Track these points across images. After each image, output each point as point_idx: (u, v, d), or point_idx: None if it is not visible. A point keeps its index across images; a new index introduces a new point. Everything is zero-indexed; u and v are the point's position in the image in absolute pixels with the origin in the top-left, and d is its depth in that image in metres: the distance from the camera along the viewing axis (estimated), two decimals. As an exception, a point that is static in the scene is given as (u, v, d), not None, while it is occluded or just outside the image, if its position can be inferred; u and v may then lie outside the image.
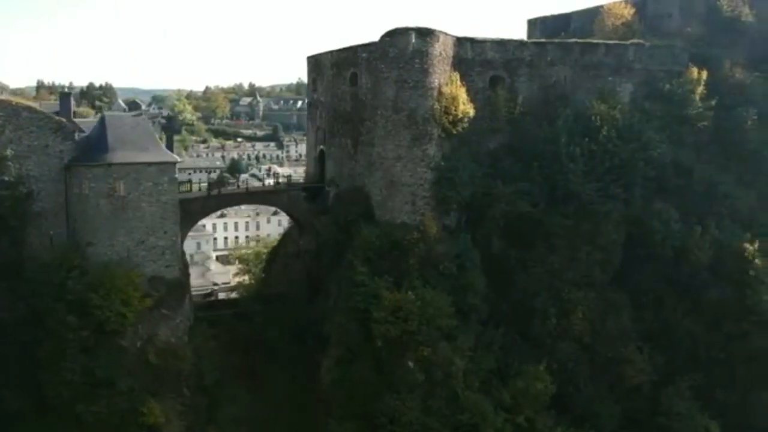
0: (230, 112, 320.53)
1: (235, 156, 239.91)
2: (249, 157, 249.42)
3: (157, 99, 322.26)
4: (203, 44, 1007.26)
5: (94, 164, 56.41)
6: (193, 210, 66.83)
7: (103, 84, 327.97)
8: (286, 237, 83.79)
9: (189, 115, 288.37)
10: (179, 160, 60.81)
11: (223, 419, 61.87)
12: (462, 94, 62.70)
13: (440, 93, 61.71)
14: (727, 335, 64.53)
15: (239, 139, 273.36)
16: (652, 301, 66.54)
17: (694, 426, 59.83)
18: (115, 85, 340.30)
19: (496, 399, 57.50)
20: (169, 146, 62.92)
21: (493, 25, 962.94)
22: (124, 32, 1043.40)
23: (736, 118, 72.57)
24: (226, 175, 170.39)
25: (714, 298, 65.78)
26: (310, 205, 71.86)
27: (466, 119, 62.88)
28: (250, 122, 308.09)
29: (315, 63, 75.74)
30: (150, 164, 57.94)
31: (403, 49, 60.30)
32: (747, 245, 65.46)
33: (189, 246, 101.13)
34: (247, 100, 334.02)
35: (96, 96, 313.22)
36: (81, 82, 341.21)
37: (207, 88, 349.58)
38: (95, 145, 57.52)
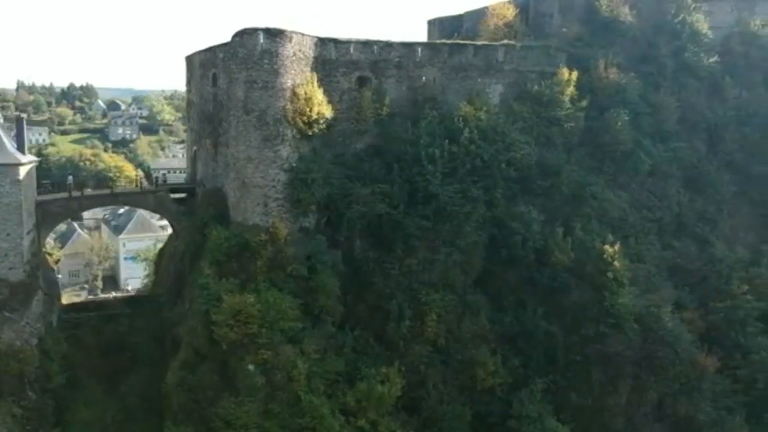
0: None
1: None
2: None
3: (138, 99, 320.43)
4: (188, 45, 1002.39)
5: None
6: (53, 211, 66.24)
7: (84, 84, 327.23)
8: (171, 238, 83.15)
9: (168, 115, 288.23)
10: (23, 161, 59.79)
11: (73, 422, 61.20)
12: (318, 95, 62.17)
13: (294, 94, 61.08)
14: (584, 338, 64.35)
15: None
16: (513, 303, 66.16)
17: (544, 429, 59.41)
18: (99, 85, 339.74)
19: (340, 402, 57.03)
20: (20, 147, 61.77)
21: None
22: (109, 32, 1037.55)
23: (607, 120, 72.33)
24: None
25: (574, 300, 65.65)
26: (179, 207, 71.25)
27: (322, 120, 62.29)
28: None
29: (189, 63, 75.12)
30: (-10, 166, 57.14)
31: (252, 49, 59.68)
32: (607, 247, 65.27)
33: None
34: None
35: (76, 96, 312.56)
36: (62, 83, 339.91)
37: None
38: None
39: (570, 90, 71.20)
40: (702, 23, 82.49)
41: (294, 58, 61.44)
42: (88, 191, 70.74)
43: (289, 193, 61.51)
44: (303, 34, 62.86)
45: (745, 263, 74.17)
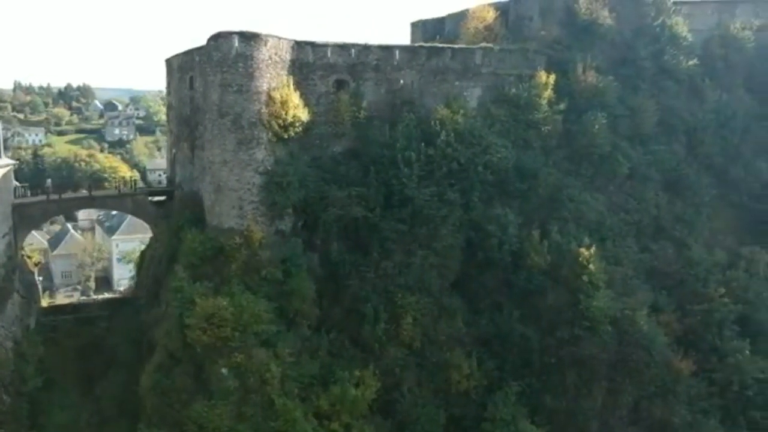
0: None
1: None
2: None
3: (135, 100, 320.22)
4: (187, 45, 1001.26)
5: None
6: (31, 214, 66.32)
7: (81, 85, 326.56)
8: (152, 240, 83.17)
9: (164, 116, 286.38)
10: (-4, 164, 59.94)
11: (48, 426, 61.36)
12: (294, 99, 62.21)
13: (270, 97, 61.13)
14: (559, 340, 64.44)
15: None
16: (489, 305, 66.31)
17: (517, 432, 59.66)
18: (97, 85, 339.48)
19: (314, 406, 57.13)
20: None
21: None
22: (109, 32, 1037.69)
23: (585, 122, 72.49)
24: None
25: (550, 303, 65.79)
26: (158, 210, 71.33)
27: (298, 124, 62.34)
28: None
29: (168, 65, 75.22)
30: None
31: (227, 52, 59.67)
32: (582, 250, 65.41)
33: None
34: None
35: (73, 97, 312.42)
36: (60, 83, 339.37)
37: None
38: None
39: (547, 93, 71.34)
40: (681, 26, 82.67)
41: (269, 61, 61.48)
42: (67, 194, 70.65)
43: (264, 196, 61.51)
44: (279, 38, 62.91)
45: (723, 266, 74.32)
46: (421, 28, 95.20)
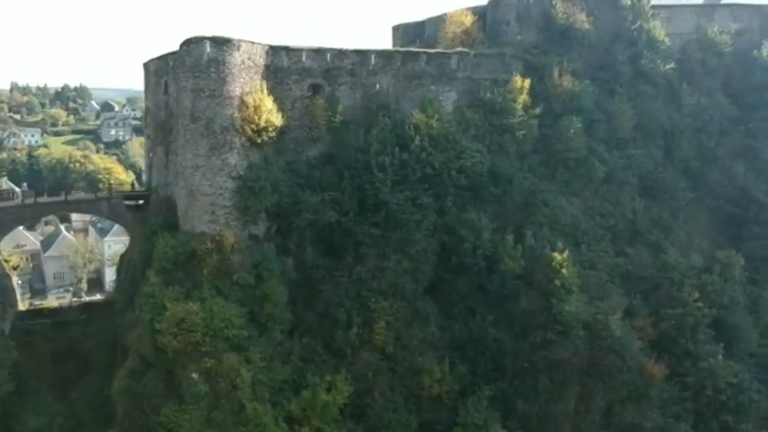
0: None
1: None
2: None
3: (132, 101, 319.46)
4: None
5: None
6: (4, 219, 66.28)
7: (78, 85, 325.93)
8: (130, 244, 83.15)
9: None
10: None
11: (20, 430, 61.38)
12: (267, 103, 62.32)
13: (242, 102, 61.21)
14: (532, 345, 64.56)
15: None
16: (463, 310, 66.41)
17: (489, 437, 59.83)
18: (96, 86, 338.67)
19: (285, 410, 57.31)
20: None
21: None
22: (109, 32, 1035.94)
23: (560, 127, 72.61)
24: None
25: (523, 307, 65.83)
26: (134, 214, 71.33)
27: (271, 128, 62.41)
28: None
29: (146, 70, 75.25)
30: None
31: (199, 58, 59.82)
32: (555, 255, 65.49)
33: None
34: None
35: (70, 97, 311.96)
36: (57, 83, 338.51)
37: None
38: None
39: (523, 98, 71.45)
40: (659, 30, 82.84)
41: (242, 66, 61.58)
42: (42, 198, 70.58)
43: (237, 201, 61.64)
44: (253, 42, 63.07)
45: (698, 270, 74.34)
46: (402, 31, 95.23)
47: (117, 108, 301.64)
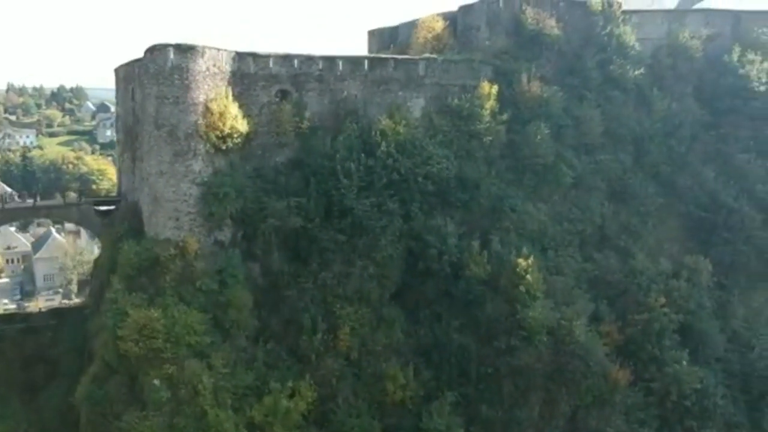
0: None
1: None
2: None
3: None
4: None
5: None
6: (-29, 225, 66.26)
7: (74, 86, 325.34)
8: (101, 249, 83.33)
9: None
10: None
11: (-12, 436, 61.51)
12: (232, 110, 62.44)
13: (207, 109, 61.35)
14: (497, 350, 64.71)
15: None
16: (429, 315, 66.66)
17: (452, 442, 60.04)
18: (94, 86, 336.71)
19: (247, 417, 57.49)
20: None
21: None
22: (108, 32, 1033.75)
23: (528, 133, 72.82)
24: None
25: (489, 313, 65.96)
26: (103, 220, 71.49)
27: (236, 135, 62.56)
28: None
29: (116, 75, 75.37)
30: None
31: (162, 65, 59.94)
32: (520, 260, 65.71)
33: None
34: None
35: (66, 98, 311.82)
36: (52, 84, 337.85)
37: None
38: None
39: (490, 103, 71.57)
40: (630, 35, 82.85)
41: (207, 73, 61.71)
42: (10, 204, 70.60)
43: (201, 207, 61.78)
44: (219, 49, 63.19)
45: (666, 275, 74.38)
46: (377, 36, 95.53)
47: (113, 109, 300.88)
